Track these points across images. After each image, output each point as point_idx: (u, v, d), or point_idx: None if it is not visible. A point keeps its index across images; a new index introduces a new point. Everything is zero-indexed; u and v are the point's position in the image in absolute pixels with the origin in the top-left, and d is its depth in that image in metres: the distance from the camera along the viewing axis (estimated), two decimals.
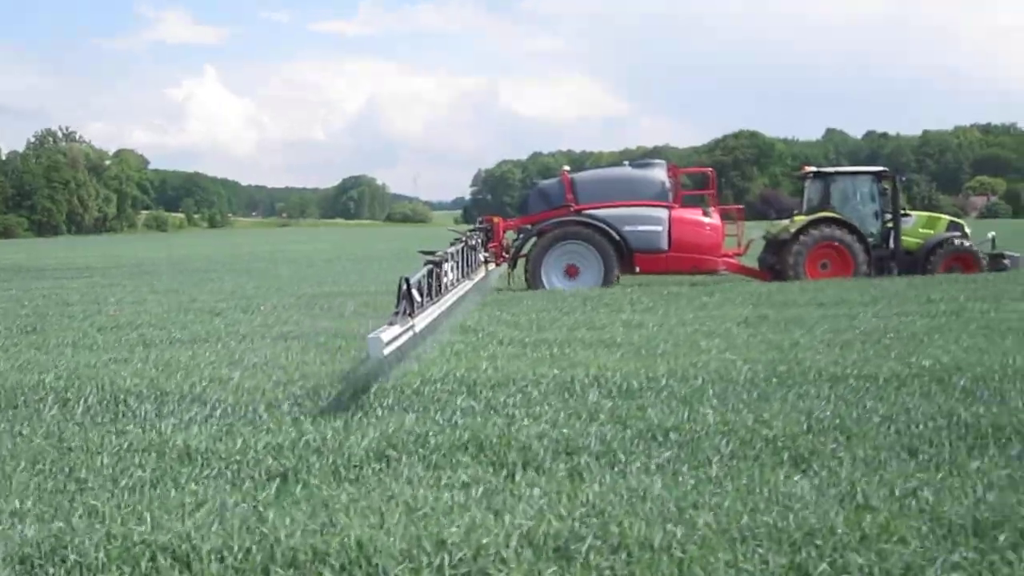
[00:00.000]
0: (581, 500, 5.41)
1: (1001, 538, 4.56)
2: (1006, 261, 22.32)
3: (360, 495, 5.74)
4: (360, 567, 4.56)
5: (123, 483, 6.23)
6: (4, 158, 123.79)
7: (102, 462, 6.73)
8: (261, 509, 5.48)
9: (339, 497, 5.68)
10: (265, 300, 19.63)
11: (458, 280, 15.81)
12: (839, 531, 4.67)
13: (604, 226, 21.18)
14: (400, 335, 9.65)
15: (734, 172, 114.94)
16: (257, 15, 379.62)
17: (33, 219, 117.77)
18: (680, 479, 5.83)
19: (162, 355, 11.79)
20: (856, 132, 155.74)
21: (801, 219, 22.27)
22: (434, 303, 12.39)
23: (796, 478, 5.69)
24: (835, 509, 5.02)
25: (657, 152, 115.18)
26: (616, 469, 6.16)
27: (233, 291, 23.05)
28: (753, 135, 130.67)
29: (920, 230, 22.56)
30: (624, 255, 21.22)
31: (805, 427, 6.79)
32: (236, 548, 4.82)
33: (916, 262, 21.82)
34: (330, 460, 6.52)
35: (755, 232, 24.95)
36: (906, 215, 22.81)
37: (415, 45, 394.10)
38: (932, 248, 21.96)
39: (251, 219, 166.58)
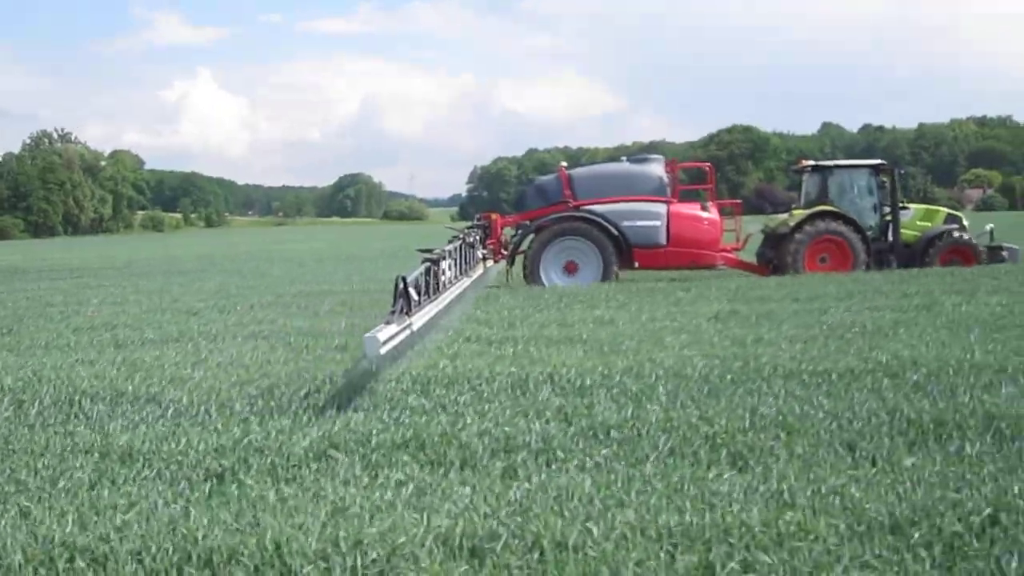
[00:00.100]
0: (508, 499, 5.40)
1: (916, 535, 4.54)
2: (1004, 253, 22.27)
3: (292, 495, 5.73)
4: (273, 567, 4.55)
5: (61, 484, 6.22)
6: (0, 160, 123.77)
7: (44, 464, 6.72)
8: (191, 509, 5.48)
9: (269, 497, 5.67)
10: (245, 300, 19.61)
11: (456, 278, 15.81)
12: (756, 529, 4.65)
13: (603, 222, 21.10)
14: (397, 334, 9.60)
15: (729, 167, 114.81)
16: (253, 15, 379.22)
17: (29, 220, 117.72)
18: (612, 477, 5.81)
19: (130, 356, 11.77)
20: (852, 126, 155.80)
21: (800, 213, 22.22)
22: (432, 301, 12.36)
23: (727, 475, 5.67)
24: (758, 507, 5.00)
25: (653, 148, 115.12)
26: (552, 467, 6.14)
27: (217, 291, 23.03)
28: (747, 129, 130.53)
29: (918, 223, 22.52)
30: (623, 251, 21.14)
31: (747, 424, 6.77)
32: (154, 549, 4.81)
33: (915, 255, 21.79)
34: (269, 460, 6.51)
35: (753, 226, 24.92)
36: (904, 208, 22.75)
37: (412, 44, 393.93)
38: (930, 241, 21.91)
39: (247, 218, 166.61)
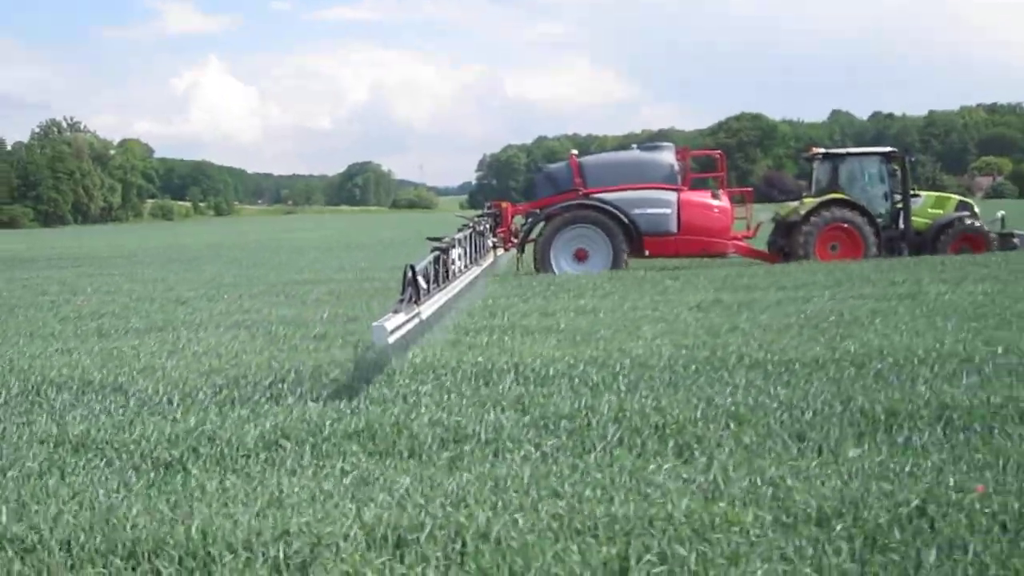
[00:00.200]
0: (445, 489, 5.39)
1: (839, 527, 4.51)
2: (1016, 240, 22.17)
3: (233, 485, 5.73)
4: (195, 557, 4.55)
5: (10, 474, 6.22)
6: (9, 149, 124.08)
7: None
8: (129, 499, 5.49)
9: (209, 487, 5.67)
10: (238, 289, 19.66)
11: (466, 266, 15.81)
12: (679, 521, 4.63)
13: (613, 209, 21.05)
14: (405, 323, 9.58)
15: (738, 154, 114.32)
16: (264, 3, 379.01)
17: (39, 209, 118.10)
18: (554, 467, 5.80)
19: (109, 345, 11.81)
20: (862, 113, 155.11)
21: (811, 201, 22.13)
22: (441, 290, 12.35)
23: (666, 466, 5.65)
24: (689, 498, 4.98)
25: (662, 135, 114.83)
26: (497, 457, 6.14)
27: (212, 279, 23.11)
28: (756, 117, 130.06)
29: (929, 210, 22.42)
30: (633, 238, 21.08)
31: (699, 414, 6.74)
32: (83, 538, 4.82)
33: (925, 243, 21.69)
34: (218, 450, 6.51)
35: (763, 215, 24.83)
36: (915, 195, 22.65)
37: (420, 32, 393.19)
38: (941, 228, 21.82)
39: (257, 207, 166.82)
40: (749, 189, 26.63)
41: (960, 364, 8.24)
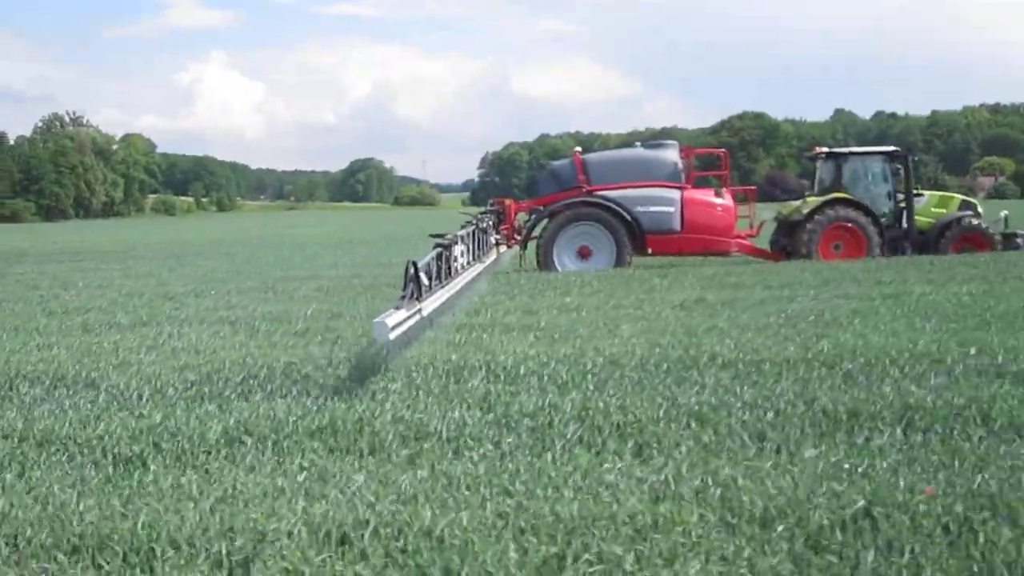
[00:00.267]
0: (397, 487, 5.39)
1: (780, 528, 4.51)
2: (1019, 240, 22.13)
3: (189, 481, 5.73)
4: (138, 553, 4.56)
5: None
6: (12, 143, 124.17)
7: None
8: (83, 495, 5.49)
9: (164, 483, 5.68)
10: (229, 285, 19.66)
11: (469, 263, 15.82)
12: (624, 521, 4.63)
13: (616, 207, 20.97)
14: (406, 319, 9.58)
15: (740, 153, 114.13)
16: None
17: (41, 204, 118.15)
18: (510, 465, 5.80)
19: (91, 340, 11.84)
20: (865, 113, 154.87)
21: (814, 200, 22.10)
22: (443, 287, 12.36)
23: (620, 466, 5.65)
24: (637, 498, 4.98)
25: (665, 133, 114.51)
26: (457, 455, 6.14)
27: (205, 275, 23.11)
28: (759, 116, 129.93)
29: (932, 209, 22.38)
30: (636, 236, 21.04)
31: (662, 413, 6.74)
32: (29, 533, 4.82)
33: (928, 242, 21.67)
34: (180, 445, 6.52)
35: (766, 213, 24.79)
36: (919, 195, 22.63)
37: (424, 28, 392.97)
38: (944, 228, 21.78)
39: (259, 202, 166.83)
40: (752, 188, 26.55)
41: (931, 365, 8.22)
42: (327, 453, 6.34)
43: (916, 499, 4.80)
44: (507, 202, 23.22)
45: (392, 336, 8.79)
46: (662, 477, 5.36)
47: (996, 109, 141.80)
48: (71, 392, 8.50)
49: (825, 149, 24.06)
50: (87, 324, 13.66)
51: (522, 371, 8.44)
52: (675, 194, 21.30)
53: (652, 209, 21.05)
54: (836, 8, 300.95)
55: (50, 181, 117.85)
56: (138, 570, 4.43)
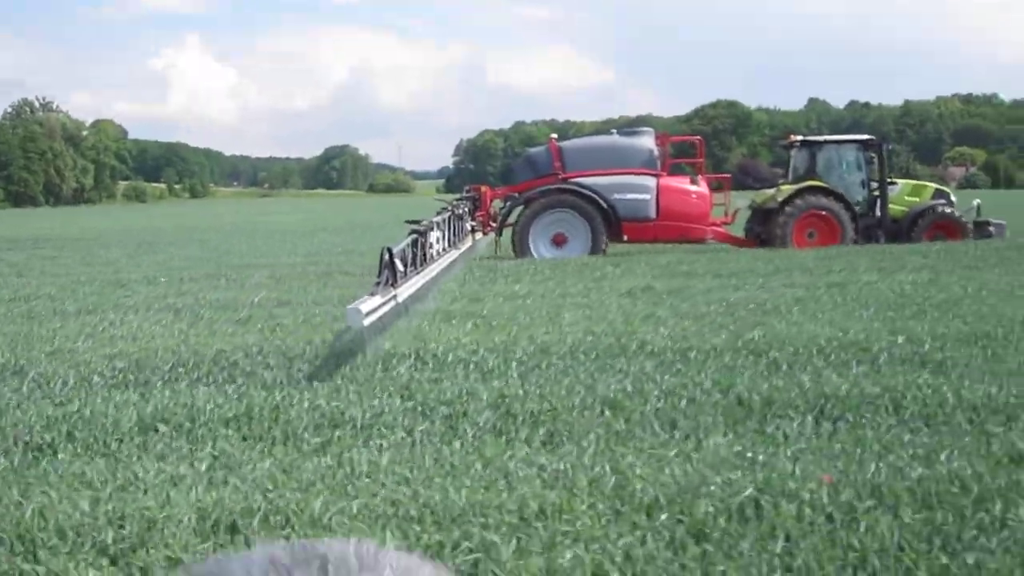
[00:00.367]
0: (299, 475, 5.38)
1: (663, 517, 4.53)
2: (991, 228, 22.30)
3: (98, 469, 5.70)
4: (24, 542, 4.53)
5: None
6: None
7: None
8: None
9: (67, 471, 5.65)
10: (184, 271, 19.56)
11: (444, 250, 15.82)
12: (510, 509, 4.64)
13: (592, 194, 20.96)
14: (381, 306, 9.56)
15: (713, 142, 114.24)
16: None
17: (9, 190, 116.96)
18: (416, 453, 5.80)
19: (31, 327, 11.75)
20: (838, 102, 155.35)
21: (788, 188, 22.18)
22: (419, 273, 12.35)
23: (522, 454, 5.66)
24: (532, 486, 4.99)
25: (640, 122, 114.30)
26: (367, 443, 6.13)
27: (163, 262, 22.97)
28: (732, 104, 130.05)
29: (906, 198, 22.52)
30: (612, 224, 21.03)
31: (578, 401, 6.75)
32: None
33: (901, 230, 21.81)
34: (93, 433, 6.48)
35: (740, 201, 24.85)
36: (892, 183, 22.76)
37: (401, 14, 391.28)
38: (917, 216, 21.93)
39: (232, 189, 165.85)
40: (727, 175, 26.58)
41: (856, 354, 8.28)
42: (240, 441, 6.33)
43: (807, 487, 4.83)
44: (483, 189, 23.22)
45: (366, 322, 8.80)
46: (562, 466, 5.37)
47: (968, 99, 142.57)
48: None
49: (800, 137, 24.15)
50: (32, 312, 13.57)
51: (450, 359, 8.44)
52: (651, 182, 21.31)
53: (628, 196, 21.05)
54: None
55: (19, 167, 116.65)
56: (21, 559, 4.40)
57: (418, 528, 4.45)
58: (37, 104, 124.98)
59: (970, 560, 3.90)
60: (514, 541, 4.25)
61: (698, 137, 26.64)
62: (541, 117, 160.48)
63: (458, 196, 24.18)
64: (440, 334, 9.91)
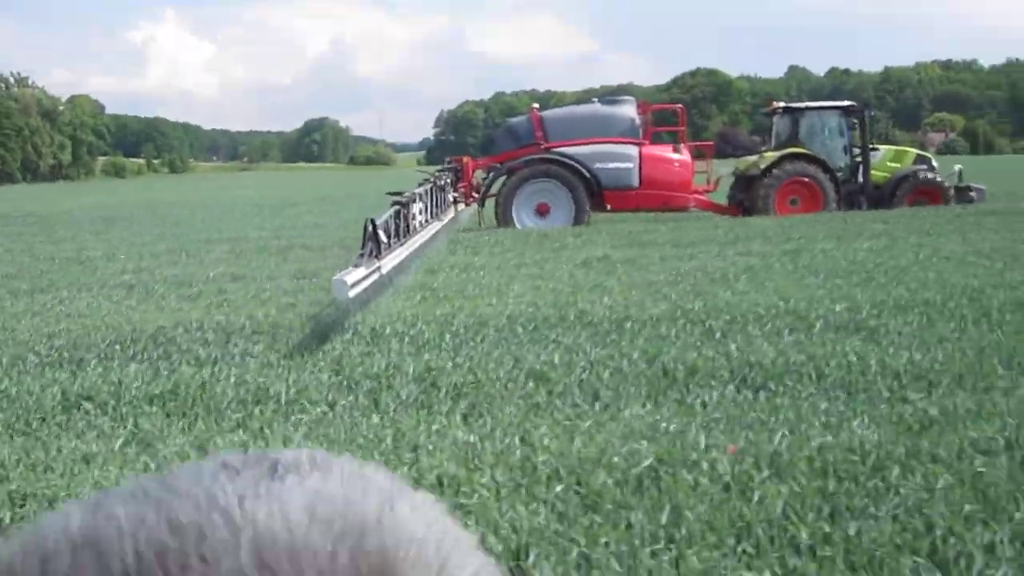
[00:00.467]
0: (211, 451, 5.37)
1: (559, 488, 4.53)
2: (972, 194, 22.38)
3: (13, 448, 5.68)
4: None
5: None
6: None
7: None
8: None
9: None
10: (146, 248, 19.47)
11: (427, 221, 15.80)
12: (410, 481, 4.63)
13: (574, 164, 20.89)
14: (366, 277, 9.58)
15: (693, 110, 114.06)
16: None
17: None
18: (331, 429, 5.80)
19: None
20: (818, 69, 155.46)
21: (770, 155, 22.16)
22: (402, 244, 12.36)
23: (436, 427, 5.66)
24: (437, 460, 4.99)
25: (621, 91, 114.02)
26: (287, 418, 6.13)
27: (127, 239, 22.84)
28: (712, 73, 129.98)
29: (888, 164, 22.53)
30: (595, 193, 20.99)
31: (502, 373, 6.75)
32: None
33: (884, 196, 21.85)
34: (16, 412, 6.46)
35: (723, 169, 24.81)
36: (874, 149, 22.77)
37: None
38: (899, 181, 21.97)
39: (212, 164, 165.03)
40: (710, 143, 26.51)
41: (793, 322, 8.30)
42: (164, 418, 6.31)
43: (709, 457, 4.84)
44: (465, 160, 23.14)
45: (351, 294, 8.82)
46: (471, 438, 5.37)
47: (948, 65, 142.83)
48: None
49: (782, 104, 24.11)
50: None
51: (387, 332, 8.42)
52: (633, 150, 21.26)
53: (610, 165, 21.00)
54: None
55: None
56: None
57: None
58: (12, 80, 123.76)
59: (851, 531, 3.91)
60: None
61: (679, 105, 26.57)
62: (522, 87, 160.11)
63: (440, 167, 24.11)
64: (382, 307, 9.89)
